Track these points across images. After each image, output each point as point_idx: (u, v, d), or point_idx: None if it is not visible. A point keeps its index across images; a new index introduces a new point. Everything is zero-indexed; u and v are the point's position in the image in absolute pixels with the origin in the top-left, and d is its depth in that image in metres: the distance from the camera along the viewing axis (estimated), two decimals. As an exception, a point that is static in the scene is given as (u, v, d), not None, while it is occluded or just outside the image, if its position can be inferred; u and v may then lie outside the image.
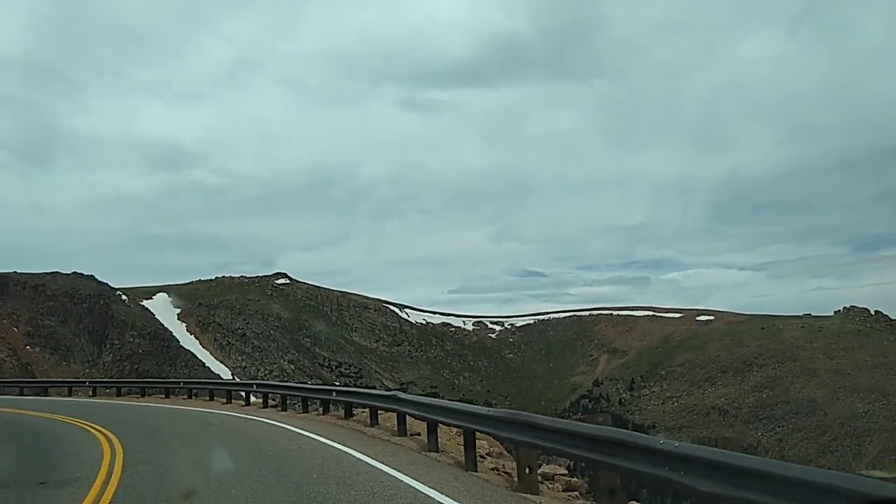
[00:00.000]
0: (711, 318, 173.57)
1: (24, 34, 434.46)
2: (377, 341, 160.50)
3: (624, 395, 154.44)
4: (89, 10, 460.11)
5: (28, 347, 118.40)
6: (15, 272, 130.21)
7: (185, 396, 33.72)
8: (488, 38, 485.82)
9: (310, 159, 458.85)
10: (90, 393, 41.60)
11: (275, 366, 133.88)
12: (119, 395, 38.70)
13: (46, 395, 43.08)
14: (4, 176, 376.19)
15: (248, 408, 27.10)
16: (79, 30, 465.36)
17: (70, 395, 41.72)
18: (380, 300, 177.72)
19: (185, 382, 39.06)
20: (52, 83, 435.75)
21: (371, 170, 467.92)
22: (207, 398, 31.77)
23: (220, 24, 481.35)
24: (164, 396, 34.76)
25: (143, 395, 36.28)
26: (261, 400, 28.18)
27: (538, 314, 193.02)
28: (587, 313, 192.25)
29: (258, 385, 31.25)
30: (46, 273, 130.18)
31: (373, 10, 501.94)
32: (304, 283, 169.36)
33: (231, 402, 29.62)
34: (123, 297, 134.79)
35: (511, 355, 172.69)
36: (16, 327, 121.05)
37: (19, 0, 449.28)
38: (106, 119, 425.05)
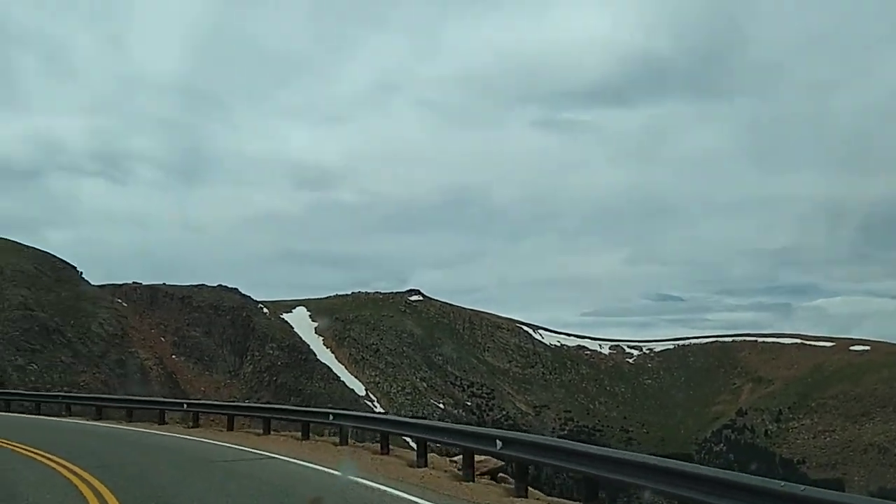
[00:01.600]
0: (867, 347, 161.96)
1: (182, 62, 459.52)
2: (510, 362, 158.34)
3: (770, 427, 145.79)
4: (243, 37, 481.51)
5: (174, 357, 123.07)
6: (164, 284, 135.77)
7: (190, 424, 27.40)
8: (628, 57, 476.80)
9: (445, 178, 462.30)
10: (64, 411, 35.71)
11: (407, 382, 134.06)
12: (100, 416, 32.35)
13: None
14: (161, 194, 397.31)
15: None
16: (233, 57, 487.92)
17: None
18: (513, 320, 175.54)
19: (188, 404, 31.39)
20: (206, 107, 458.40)
21: (506, 189, 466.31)
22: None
23: (363, 49, 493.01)
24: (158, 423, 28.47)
25: (161, 422, 29.39)
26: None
27: (678, 339, 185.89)
28: (730, 339, 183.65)
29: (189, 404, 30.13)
30: (193, 285, 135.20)
31: (511, 32, 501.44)
32: (438, 301, 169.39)
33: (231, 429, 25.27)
34: (265, 309, 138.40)
35: (649, 381, 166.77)
36: (163, 337, 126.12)
37: (181, 30, 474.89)
38: (255, 141, 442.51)
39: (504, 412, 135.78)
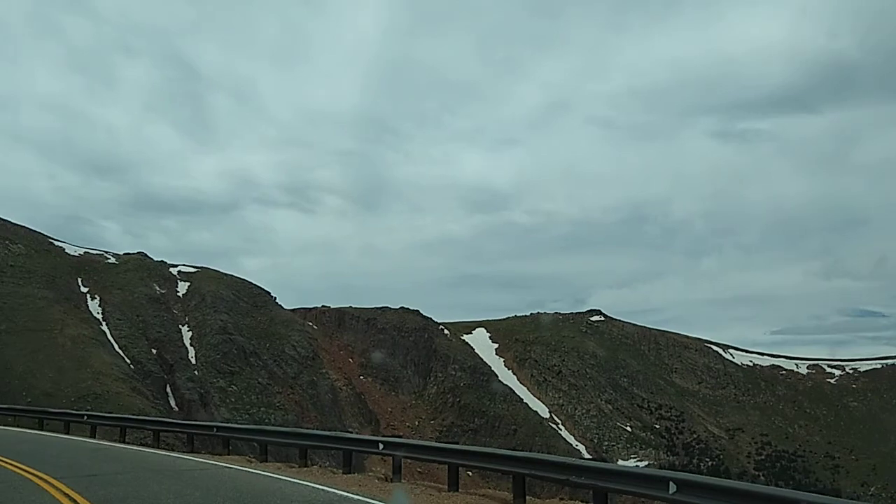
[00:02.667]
0: None
1: (362, 95, 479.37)
2: (699, 383, 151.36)
3: None
4: (416, 68, 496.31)
5: (361, 377, 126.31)
6: (350, 307, 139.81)
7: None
8: (810, 61, 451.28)
9: (619, 196, 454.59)
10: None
11: (591, 405, 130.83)
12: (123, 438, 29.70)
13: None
14: (344, 222, 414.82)
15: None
16: (406, 87, 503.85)
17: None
18: (700, 339, 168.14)
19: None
20: (382, 136, 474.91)
21: (684, 204, 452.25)
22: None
23: (532, 70, 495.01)
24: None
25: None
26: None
27: (886, 358, 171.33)
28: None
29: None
30: (377, 308, 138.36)
31: (685, 43, 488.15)
32: (620, 321, 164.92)
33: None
34: (446, 331, 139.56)
35: (855, 404, 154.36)
36: (351, 358, 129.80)
37: (358, 65, 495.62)
38: (428, 167, 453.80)
39: (695, 435, 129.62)
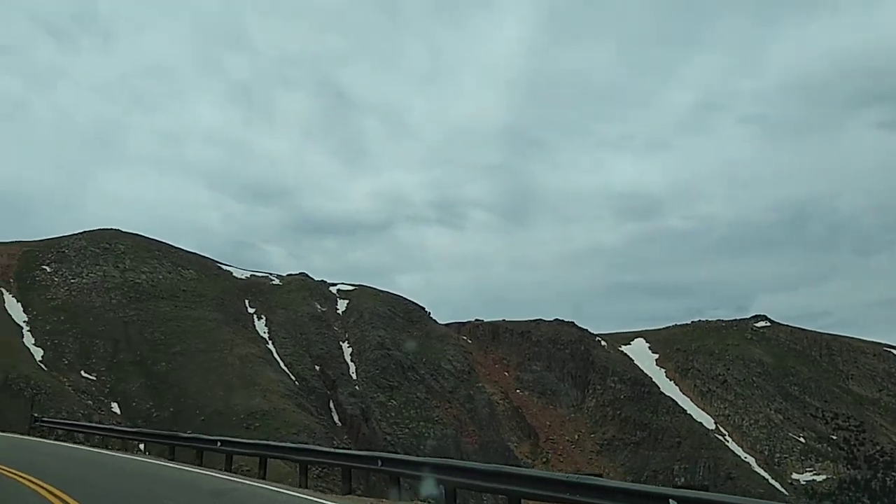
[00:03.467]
0: None
1: (505, 109, 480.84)
2: (880, 391, 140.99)
3: None
4: (559, 76, 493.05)
5: (518, 391, 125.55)
6: (503, 320, 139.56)
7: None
8: None
9: (779, 195, 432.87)
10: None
11: (760, 415, 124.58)
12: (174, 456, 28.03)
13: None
14: (493, 236, 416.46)
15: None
16: (550, 97, 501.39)
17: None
18: (878, 343, 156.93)
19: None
20: (528, 148, 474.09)
21: (851, 200, 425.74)
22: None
23: (679, 71, 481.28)
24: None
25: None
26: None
27: None
28: None
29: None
30: (531, 320, 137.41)
31: (843, 31, 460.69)
32: (787, 326, 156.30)
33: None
34: (602, 342, 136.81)
35: None
36: (507, 372, 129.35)
37: (501, 78, 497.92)
38: (575, 176, 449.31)
39: (878, 447, 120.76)
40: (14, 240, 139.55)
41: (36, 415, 29.29)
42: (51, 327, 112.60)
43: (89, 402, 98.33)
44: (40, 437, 27.82)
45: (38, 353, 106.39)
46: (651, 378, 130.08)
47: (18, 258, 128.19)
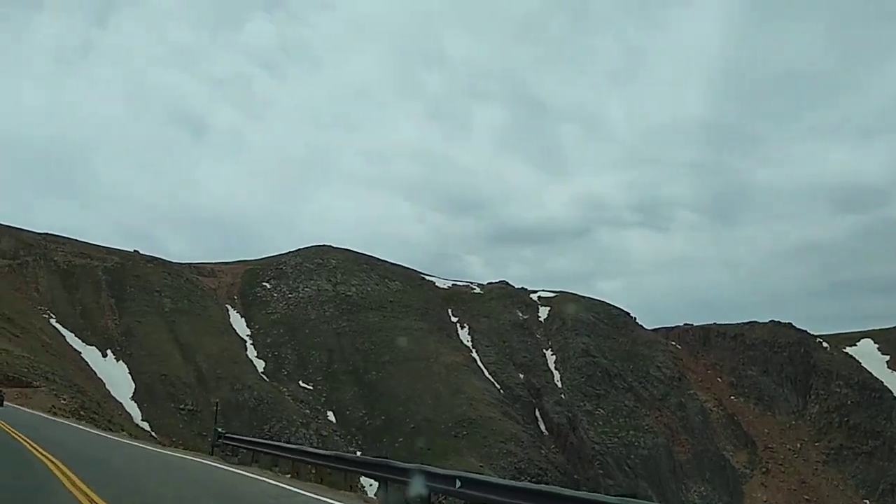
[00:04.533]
0: None
1: (706, 103, 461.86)
2: None
3: None
4: (763, 65, 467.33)
5: (732, 398, 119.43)
6: (714, 324, 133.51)
7: None
8: None
9: None
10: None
11: None
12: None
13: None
14: (698, 236, 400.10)
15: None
16: (754, 87, 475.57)
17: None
18: None
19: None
20: (732, 142, 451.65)
21: None
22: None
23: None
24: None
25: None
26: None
27: None
28: None
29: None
30: (744, 323, 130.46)
31: None
32: None
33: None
34: (824, 344, 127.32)
35: None
36: (719, 377, 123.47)
37: (699, 73, 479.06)
38: (786, 169, 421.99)
39: None
40: (238, 259, 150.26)
41: (220, 429, 23.23)
42: (271, 340, 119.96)
43: (307, 411, 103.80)
44: (222, 457, 22.69)
45: (260, 365, 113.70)
46: (882, 382, 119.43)
47: (242, 276, 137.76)
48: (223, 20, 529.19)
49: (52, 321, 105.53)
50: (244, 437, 24.57)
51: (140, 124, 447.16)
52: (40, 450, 18.94)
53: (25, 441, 21.07)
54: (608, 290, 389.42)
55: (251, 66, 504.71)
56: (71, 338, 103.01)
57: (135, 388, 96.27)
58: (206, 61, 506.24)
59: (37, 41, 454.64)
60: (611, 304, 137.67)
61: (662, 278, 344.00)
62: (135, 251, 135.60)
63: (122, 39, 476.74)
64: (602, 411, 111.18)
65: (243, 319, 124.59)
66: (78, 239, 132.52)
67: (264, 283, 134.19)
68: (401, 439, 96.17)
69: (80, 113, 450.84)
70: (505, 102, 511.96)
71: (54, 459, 17.07)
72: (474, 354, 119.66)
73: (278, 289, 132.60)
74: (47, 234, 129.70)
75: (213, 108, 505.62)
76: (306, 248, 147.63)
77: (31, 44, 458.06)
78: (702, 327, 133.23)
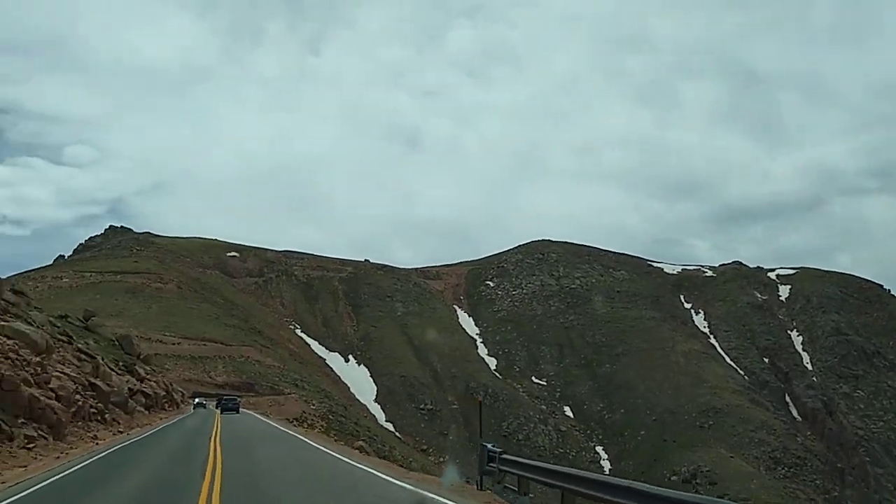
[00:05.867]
0: None
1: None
2: None
3: None
4: None
5: None
6: None
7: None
8: None
9: None
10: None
11: None
12: None
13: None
14: None
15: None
16: None
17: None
18: None
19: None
20: None
21: None
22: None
23: None
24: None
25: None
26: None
27: None
28: None
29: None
30: None
31: None
32: None
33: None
34: None
35: None
36: None
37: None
38: None
39: None
40: (459, 261, 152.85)
41: (493, 446, 11.34)
42: (500, 337, 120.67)
43: (543, 406, 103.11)
44: (498, 492, 12.67)
45: (491, 363, 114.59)
46: None
47: (465, 277, 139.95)
48: (428, 33, 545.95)
49: (298, 331, 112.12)
50: (534, 463, 13.36)
51: (359, 142, 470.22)
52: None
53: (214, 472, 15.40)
54: (851, 264, 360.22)
55: (457, 75, 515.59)
56: (315, 346, 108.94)
57: (377, 391, 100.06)
58: (414, 75, 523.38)
59: (258, 75, 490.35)
60: (859, 277, 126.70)
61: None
62: (365, 260, 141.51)
63: (334, 64, 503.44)
64: (862, 393, 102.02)
65: (471, 319, 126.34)
66: (314, 253, 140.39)
67: (487, 282, 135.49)
68: (642, 432, 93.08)
69: (303, 138, 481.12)
70: (716, 77, 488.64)
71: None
72: (713, 340, 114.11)
73: (502, 286, 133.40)
74: (286, 251, 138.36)
75: (425, 120, 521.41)
76: (526, 244, 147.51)
77: (254, 78, 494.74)
78: None
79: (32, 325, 31.10)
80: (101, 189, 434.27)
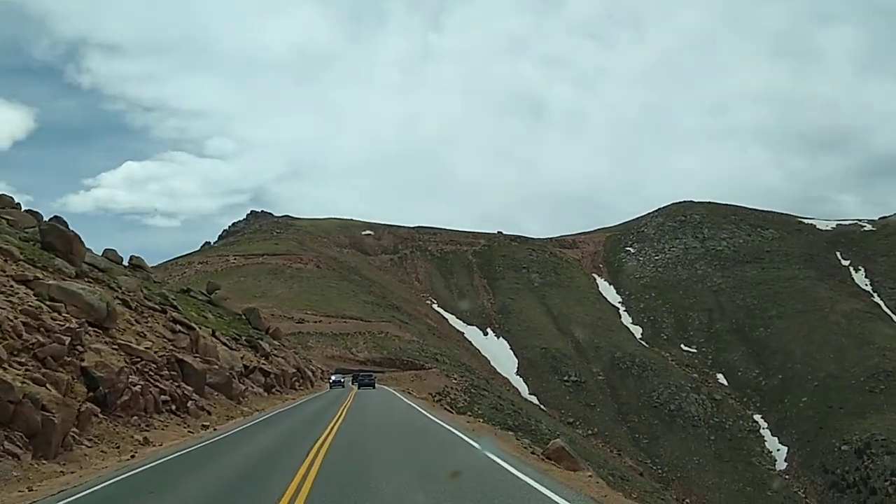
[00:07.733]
0: None
1: None
2: None
3: None
4: None
5: None
6: None
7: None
8: None
9: None
10: None
11: None
12: None
13: None
14: None
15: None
16: None
17: None
18: None
19: None
20: None
21: None
22: None
23: None
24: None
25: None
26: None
27: None
28: None
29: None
30: None
31: None
32: None
33: None
34: None
35: None
36: None
37: None
38: None
39: None
40: (595, 228, 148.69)
41: None
42: (644, 305, 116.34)
43: (694, 375, 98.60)
44: None
45: (636, 331, 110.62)
46: None
47: (603, 244, 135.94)
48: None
49: (435, 306, 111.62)
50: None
51: (484, 115, 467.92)
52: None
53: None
54: None
55: (579, 39, 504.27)
56: (452, 319, 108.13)
57: (518, 363, 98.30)
58: (536, 44, 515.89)
59: (383, 55, 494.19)
60: None
61: None
62: (498, 233, 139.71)
63: (457, 39, 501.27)
64: None
65: (612, 287, 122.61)
66: (446, 227, 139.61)
67: (628, 248, 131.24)
68: (804, 399, 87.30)
69: (429, 115, 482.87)
70: (858, 20, 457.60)
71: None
72: (876, 299, 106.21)
73: (643, 252, 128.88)
74: (419, 226, 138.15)
75: (549, 88, 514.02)
76: (665, 206, 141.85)
77: (380, 60, 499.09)
78: None
79: (118, 290, 28.58)
80: (243, 178, 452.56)
